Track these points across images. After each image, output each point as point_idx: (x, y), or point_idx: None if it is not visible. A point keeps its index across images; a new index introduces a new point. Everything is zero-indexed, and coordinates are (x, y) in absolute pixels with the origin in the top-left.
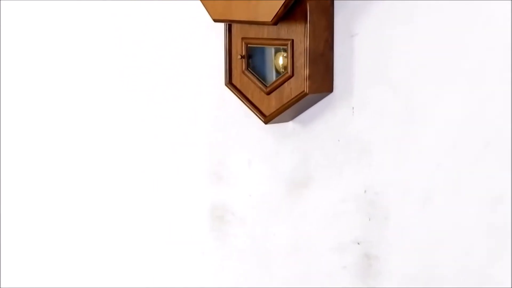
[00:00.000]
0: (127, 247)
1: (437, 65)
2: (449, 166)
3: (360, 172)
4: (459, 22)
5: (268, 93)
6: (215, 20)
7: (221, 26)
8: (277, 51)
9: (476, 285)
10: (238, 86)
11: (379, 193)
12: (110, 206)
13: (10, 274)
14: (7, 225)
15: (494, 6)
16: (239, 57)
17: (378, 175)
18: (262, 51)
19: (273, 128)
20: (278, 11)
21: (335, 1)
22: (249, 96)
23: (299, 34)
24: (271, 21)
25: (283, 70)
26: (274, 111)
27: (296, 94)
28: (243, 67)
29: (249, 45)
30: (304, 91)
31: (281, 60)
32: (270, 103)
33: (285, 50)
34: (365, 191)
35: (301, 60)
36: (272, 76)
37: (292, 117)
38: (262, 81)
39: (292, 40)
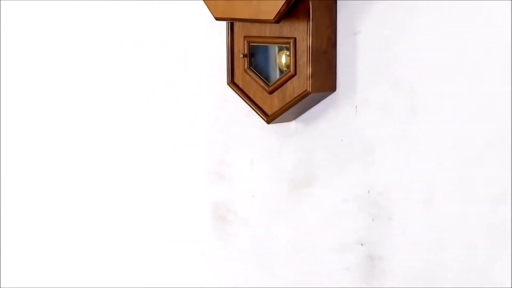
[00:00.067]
0: (129, 248)
1: (439, 64)
2: (451, 165)
3: (363, 172)
4: (462, 21)
5: (271, 92)
6: (217, 19)
7: (223, 25)
8: (279, 49)
9: (480, 285)
10: (240, 85)
11: (383, 193)
12: (111, 206)
13: (10, 274)
14: (7, 225)
15: (496, 5)
16: (241, 56)
17: (382, 175)
18: (264, 49)
19: (276, 127)
20: (280, 9)
21: None
22: (251, 95)
23: (302, 32)
24: (273, 19)
25: (285, 69)
26: (277, 111)
27: (299, 93)
28: (245, 66)
29: (251, 44)
30: (306, 90)
31: (283, 59)
32: (273, 102)
33: (287, 49)
34: (368, 191)
35: (304, 59)
36: (274, 75)
37: (294, 117)
38: (264, 80)
39: (295, 39)
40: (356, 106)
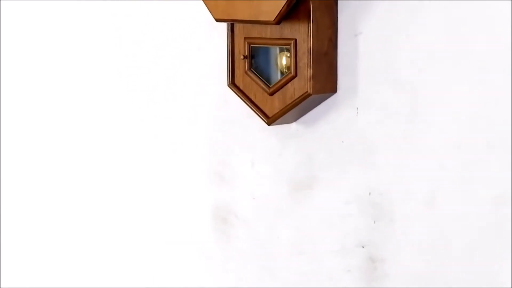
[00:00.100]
0: (129, 249)
1: (441, 65)
2: (452, 166)
3: (365, 174)
4: (464, 21)
5: (271, 94)
6: (218, 20)
7: (223, 26)
8: (280, 51)
9: (482, 286)
10: (241, 87)
11: (384, 195)
12: (112, 207)
13: (10, 274)
14: (7, 225)
15: (499, 5)
16: (242, 57)
17: (383, 177)
18: (265, 51)
19: (276, 129)
20: (281, 10)
21: (338, 0)
22: (252, 97)
23: (302, 33)
24: (273, 20)
25: (286, 70)
26: (277, 112)
27: (300, 94)
28: (246, 68)
29: (252, 45)
30: (307, 91)
31: (284, 60)
32: (273, 104)
33: (288, 50)
34: (369, 193)
35: (304, 60)
36: (275, 77)
37: (295, 118)
38: (265, 81)
39: (295, 40)
40: (357, 108)
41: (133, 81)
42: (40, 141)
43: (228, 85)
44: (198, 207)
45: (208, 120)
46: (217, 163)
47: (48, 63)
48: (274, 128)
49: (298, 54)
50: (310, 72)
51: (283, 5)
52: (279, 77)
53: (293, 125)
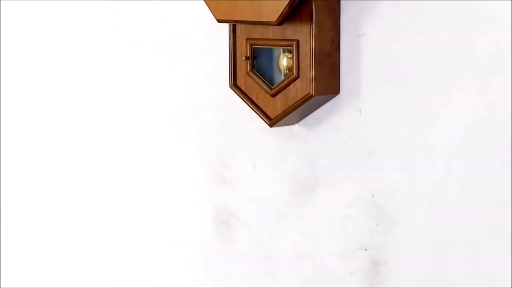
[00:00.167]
0: (130, 251)
1: (445, 66)
2: (456, 169)
3: (367, 176)
4: (468, 21)
5: (273, 95)
6: (219, 21)
7: (225, 27)
8: (282, 52)
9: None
10: (242, 88)
11: (387, 198)
12: (113, 208)
13: (10, 274)
14: (7, 225)
15: (501, 6)
16: (244, 58)
17: (386, 179)
18: (267, 52)
19: (279, 130)
20: (283, 11)
21: (341, 0)
22: (254, 99)
23: (305, 34)
24: (275, 21)
25: (287, 72)
26: (280, 114)
27: (302, 96)
28: (248, 69)
29: (253, 46)
30: (309, 93)
31: (286, 61)
32: (275, 106)
33: (290, 51)
34: (372, 196)
35: (307, 61)
36: (277, 78)
37: (297, 120)
38: (267, 82)
39: (298, 41)
40: (360, 109)
41: (134, 82)
42: (40, 141)
43: (230, 87)
44: (199, 209)
45: (210, 121)
46: (219, 165)
47: (48, 64)
48: (276, 129)
49: (301, 55)
50: (312, 73)
51: (285, 5)
52: (281, 78)
53: (295, 127)
